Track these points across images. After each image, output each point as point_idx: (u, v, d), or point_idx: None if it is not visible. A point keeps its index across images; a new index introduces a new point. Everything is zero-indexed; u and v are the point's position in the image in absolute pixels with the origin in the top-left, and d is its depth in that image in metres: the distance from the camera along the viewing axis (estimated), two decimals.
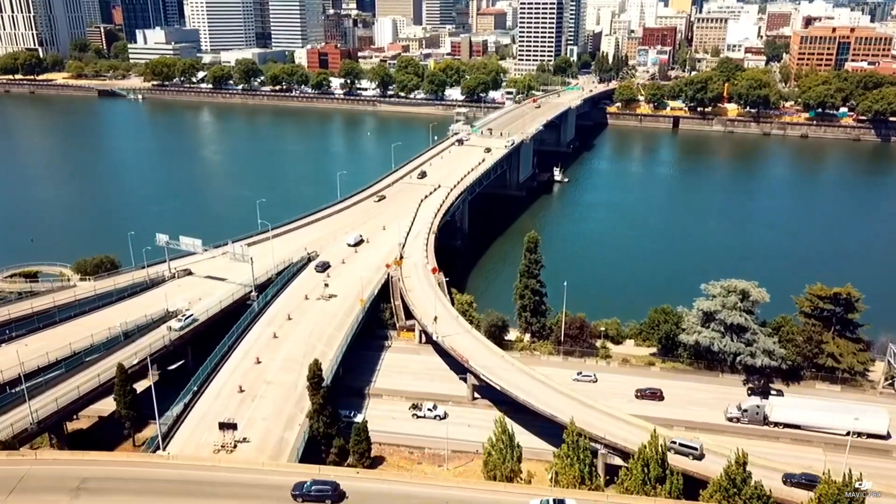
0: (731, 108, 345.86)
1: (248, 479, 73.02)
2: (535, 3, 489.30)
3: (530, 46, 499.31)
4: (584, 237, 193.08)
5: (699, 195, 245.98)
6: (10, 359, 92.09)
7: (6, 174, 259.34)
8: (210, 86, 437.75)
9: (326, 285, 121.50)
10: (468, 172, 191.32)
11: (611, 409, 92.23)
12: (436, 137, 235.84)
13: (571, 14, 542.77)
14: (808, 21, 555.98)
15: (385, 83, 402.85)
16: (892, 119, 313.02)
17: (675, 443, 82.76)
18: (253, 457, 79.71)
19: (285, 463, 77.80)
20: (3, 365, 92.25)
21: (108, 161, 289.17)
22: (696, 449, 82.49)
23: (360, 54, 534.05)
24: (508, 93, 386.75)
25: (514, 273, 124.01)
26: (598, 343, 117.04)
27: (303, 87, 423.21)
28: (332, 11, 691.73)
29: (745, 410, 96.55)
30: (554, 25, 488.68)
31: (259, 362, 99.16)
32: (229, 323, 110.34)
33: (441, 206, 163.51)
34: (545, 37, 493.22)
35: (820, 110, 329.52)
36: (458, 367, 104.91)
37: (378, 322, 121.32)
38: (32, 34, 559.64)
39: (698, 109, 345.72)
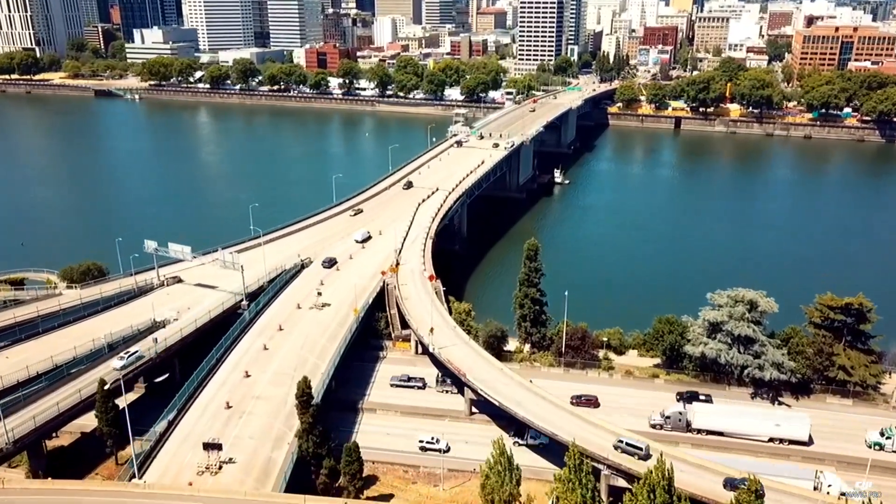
0: (734, 109, 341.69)
1: None
2: (536, 3, 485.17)
3: (530, 46, 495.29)
4: (585, 241, 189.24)
5: (702, 197, 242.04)
6: None
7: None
8: (207, 86, 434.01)
9: (319, 294, 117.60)
10: (467, 175, 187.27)
11: (614, 426, 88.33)
12: (434, 139, 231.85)
13: (572, 13, 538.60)
14: (810, 20, 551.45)
15: (384, 83, 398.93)
16: None
17: (621, 442, 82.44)
18: (239, 479, 75.98)
19: (269, 493, 73.73)
20: None
21: (103, 162, 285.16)
22: (641, 449, 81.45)
23: (359, 54, 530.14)
24: (508, 93, 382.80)
25: (514, 278, 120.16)
26: (601, 354, 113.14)
27: (301, 87, 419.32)
28: (331, 11, 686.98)
29: (668, 417, 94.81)
30: (554, 25, 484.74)
31: (248, 376, 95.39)
32: (219, 332, 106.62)
33: (439, 210, 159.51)
34: (545, 36, 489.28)
35: (823, 111, 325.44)
36: (456, 380, 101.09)
37: (373, 332, 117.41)
38: (29, 33, 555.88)
39: (700, 110, 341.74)
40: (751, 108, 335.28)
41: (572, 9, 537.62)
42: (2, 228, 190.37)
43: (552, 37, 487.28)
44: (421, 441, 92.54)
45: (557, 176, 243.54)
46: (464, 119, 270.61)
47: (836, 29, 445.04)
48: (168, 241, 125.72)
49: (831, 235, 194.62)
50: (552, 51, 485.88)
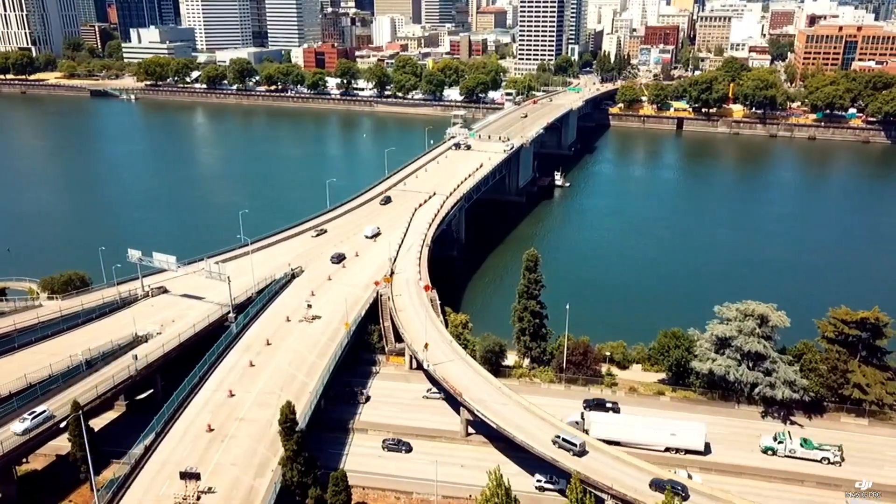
0: (737, 109, 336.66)
1: None
2: (536, 2, 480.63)
3: (531, 45, 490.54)
4: (586, 246, 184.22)
5: (706, 201, 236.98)
6: None
7: None
8: (204, 86, 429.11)
9: (310, 306, 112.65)
10: (465, 179, 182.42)
11: (618, 451, 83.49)
12: (431, 142, 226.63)
13: (572, 12, 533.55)
14: (812, 19, 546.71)
15: (382, 83, 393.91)
16: None
17: (558, 437, 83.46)
18: None
19: None
20: None
21: (94, 165, 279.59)
22: (575, 445, 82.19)
23: (357, 53, 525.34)
24: (508, 94, 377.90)
25: (513, 286, 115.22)
26: (604, 369, 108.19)
27: (298, 87, 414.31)
28: (329, 10, 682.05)
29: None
30: (555, 24, 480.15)
31: (232, 395, 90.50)
32: (205, 346, 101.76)
33: (435, 216, 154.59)
34: (546, 35, 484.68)
35: (828, 111, 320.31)
36: (452, 397, 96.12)
37: (365, 346, 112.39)
38: (25, 33, 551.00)
39: (703, 110, 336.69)
40: (754, 109, 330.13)
41: (573, 8, 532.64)
42: None
43: (552, 36, 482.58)
44: (539, 480, 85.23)
45: (558, 178, 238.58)
46: (462, 121, 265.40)
47: (840, 28, 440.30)
48: (156, 248, 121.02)
49: (841, 242, 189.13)
50: (552, 50, 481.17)
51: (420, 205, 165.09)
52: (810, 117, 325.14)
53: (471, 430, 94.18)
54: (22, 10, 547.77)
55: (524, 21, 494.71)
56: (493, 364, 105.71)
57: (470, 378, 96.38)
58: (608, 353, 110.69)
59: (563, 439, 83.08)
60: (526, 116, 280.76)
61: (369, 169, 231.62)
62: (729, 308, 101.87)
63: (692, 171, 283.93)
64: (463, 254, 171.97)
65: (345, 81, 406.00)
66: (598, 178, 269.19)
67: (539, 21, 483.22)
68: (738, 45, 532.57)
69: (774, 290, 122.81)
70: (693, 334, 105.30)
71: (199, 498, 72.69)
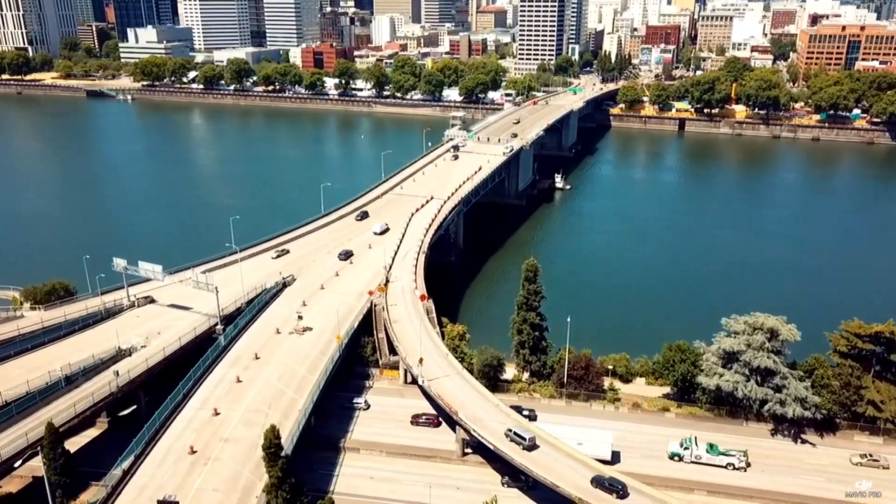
0: (739, 110, 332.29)
1: None
2: (536, 1, 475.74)
3: (531, 45, 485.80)
4: (587, 252, 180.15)
5: (709, 203, 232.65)
6: None
7: None
8: (201, 86, 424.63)
9: (300, 317, 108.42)
10: (463, 182, 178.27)
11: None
12: (429, 144, 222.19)
13: (573, 12, 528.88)
14: (814, 19, 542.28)
15: (381, 83, 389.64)
16: None
17: (510, 431, 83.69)
18: None
19: None
20: None
21: (89, 166, 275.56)
22: (525, 439, 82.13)
23: (356, 53, 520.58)
24: (507, 94, 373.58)
25: (512, 292, 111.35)
26: (606, 383, 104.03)
27: (296, 87, 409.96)
28: (328, 9, 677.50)
29: None
30: (555, 23, 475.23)
31: (217, 413, 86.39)
32: (191, 359, 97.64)
33: (432, 222, 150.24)
34: (546, 35, 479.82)
35: (832, 112, 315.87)
36: (447, 416, 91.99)
37: (358, 359, 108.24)
38: (22, 33, 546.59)
39: (705, 111, 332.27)
40: (757, 110, 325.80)
41: (573, 7, 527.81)
42: None
43: (553, 36, 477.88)
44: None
45: (558, 181, 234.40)
46: (461, 122, 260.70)
47: (843, 28, 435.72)
48: (146, 253, 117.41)
49: (847, 245, 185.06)
50: (553, 50, 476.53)
51: (417, 209, 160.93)
52: (814, 118, 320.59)
53: (467, 449, 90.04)
54: (18, 10, 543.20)
55: (524, 20, 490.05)
56: (491, 378, 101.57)
57: (466, 394, 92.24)
58: (611, 367, 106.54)
59: (514, 433, 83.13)
60: (518, 122, 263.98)
61: (366, 170, 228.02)
62: (737, 321, 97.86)
63: (695, 173, 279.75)
64: (461, 259, 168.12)
65: (343, 82, 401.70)
66: (600, 180, 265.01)
67: (539, 20, 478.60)
68: (739, 44, 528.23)
69: (782, 297, 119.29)
70: (699, 347, 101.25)
71: None
